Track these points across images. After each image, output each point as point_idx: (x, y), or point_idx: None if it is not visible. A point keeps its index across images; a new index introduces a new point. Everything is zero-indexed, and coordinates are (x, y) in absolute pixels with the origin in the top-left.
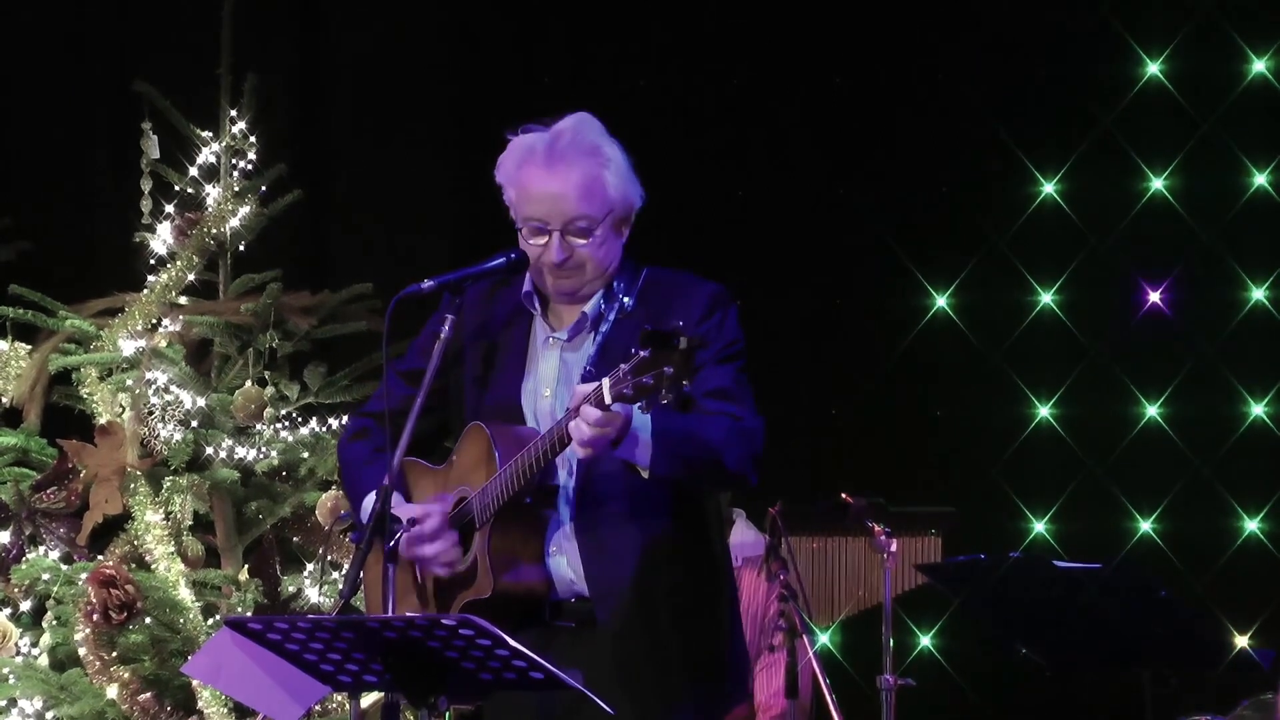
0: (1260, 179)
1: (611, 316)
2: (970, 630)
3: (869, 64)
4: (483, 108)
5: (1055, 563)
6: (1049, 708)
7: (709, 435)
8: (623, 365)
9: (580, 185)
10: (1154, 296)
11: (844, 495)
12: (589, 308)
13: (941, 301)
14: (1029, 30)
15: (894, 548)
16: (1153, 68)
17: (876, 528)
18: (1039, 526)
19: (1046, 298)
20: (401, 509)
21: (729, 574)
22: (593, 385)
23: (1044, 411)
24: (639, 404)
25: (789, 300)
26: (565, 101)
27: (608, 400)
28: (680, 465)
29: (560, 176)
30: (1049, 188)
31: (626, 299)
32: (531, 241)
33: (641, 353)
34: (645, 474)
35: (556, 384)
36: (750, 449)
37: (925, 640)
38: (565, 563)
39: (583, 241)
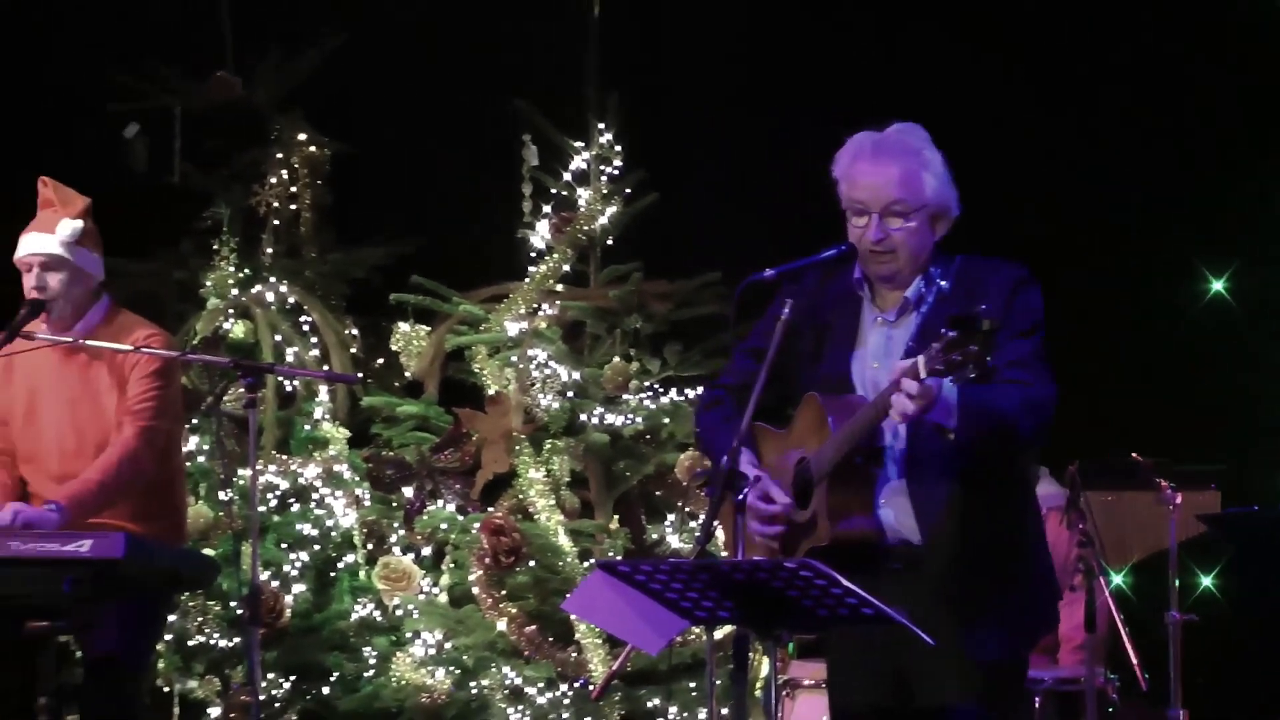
0: None
1: (930, 299)
2: (1245, 572)
3: (1159, 67)
4: (818, 115)
5: None
6: None
7: (1005, 407)
8: (934, 344)
9: (900, 177)
10: None
11: (1134, 455)
12: (910, 292)
13: (1218, 285)
14: None
15: (1178, 500)
16: None
17: (1163, 483)
18: None
19: None
20: (750, 471)
21: (1038, 520)
22: (909, 362)
23: None
24: (949, 377)
25: (1092, 286)
26: (899, 100)
27: (923, 375)
28: (980, 431)
29: (883, 168)
30: None
31: (944, 283)
32: (854, 222)
33: (950, 333)
34: (950, 436)
35: (883, 356)
36: (1039, 418)
37: (1206, 581)
38: (894, 515)
39: (898, 224)
